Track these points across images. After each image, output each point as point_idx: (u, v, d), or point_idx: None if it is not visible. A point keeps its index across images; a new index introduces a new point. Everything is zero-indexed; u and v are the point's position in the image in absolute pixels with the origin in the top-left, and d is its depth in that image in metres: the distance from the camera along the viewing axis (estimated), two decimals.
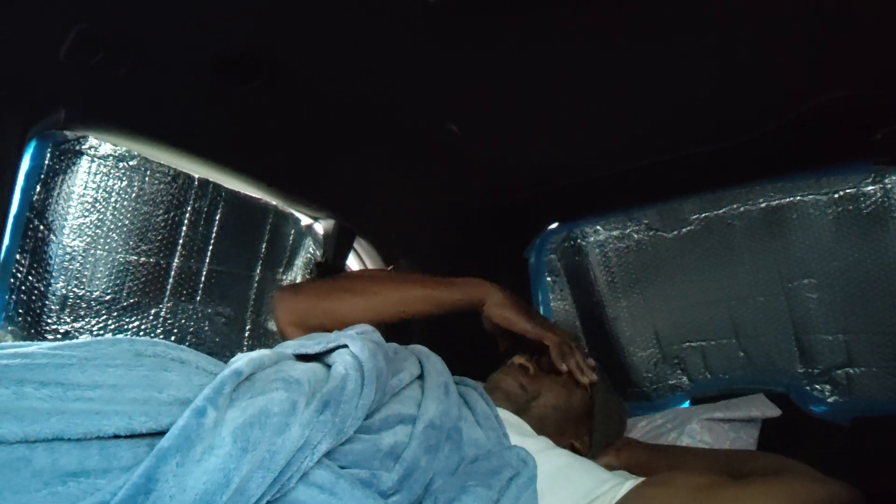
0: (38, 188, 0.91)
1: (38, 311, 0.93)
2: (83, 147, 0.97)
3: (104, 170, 1.00)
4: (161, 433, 0.47)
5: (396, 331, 1.43)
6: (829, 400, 1.23)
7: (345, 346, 0.68)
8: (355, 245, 1.42)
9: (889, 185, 1.15)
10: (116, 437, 0.45)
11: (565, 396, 1.01)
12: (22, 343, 0.55)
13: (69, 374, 0.48)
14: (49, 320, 0.94)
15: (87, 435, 0.44)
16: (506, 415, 0.92)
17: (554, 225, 1.53)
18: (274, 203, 1.27)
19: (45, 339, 0.93)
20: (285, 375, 0.57)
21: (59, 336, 0.95)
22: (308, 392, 0.57)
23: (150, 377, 0.52)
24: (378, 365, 0.66)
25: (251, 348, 1.22)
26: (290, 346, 0.69)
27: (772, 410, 1.15)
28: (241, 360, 0.57)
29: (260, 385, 0.55)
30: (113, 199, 1.02)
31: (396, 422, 0.66)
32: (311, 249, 1.37)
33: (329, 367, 0.65)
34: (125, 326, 1.04)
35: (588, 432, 1.04)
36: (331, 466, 0.56)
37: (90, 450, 0.44)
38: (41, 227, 0.92)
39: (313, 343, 0.69)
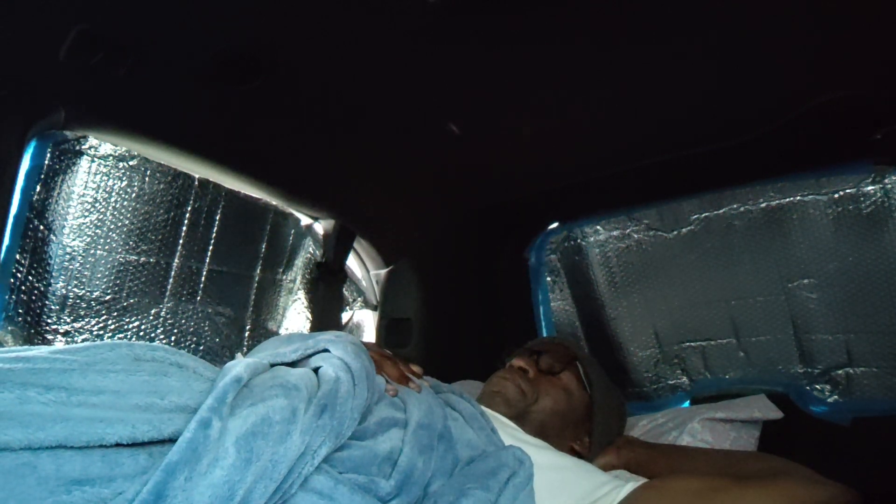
0: (38, 188, 0.91)
1: (38, 311, 0.93)
2: (83, 147, 0.97)
3: (104, 170, 1.00)
4: (161, 441, 0.47)
5: (397, 331, 1.44)
6: (829, 400, 1.23)
7: (324, 350, 0.68)
8: (355, 245, 1.42)
9: (889, 185, 1.15)
10: (118, 445, 0.45)
11: (565, 399, 1.01)
12: (21, 348, 0.55)
13: (71, 379, 0.48)
14: (49, 320, 0.94)
15: (91, 443, 0.44)
16: (501, 418, 0.92)
17: (554, 225, 1.53)
18: (274, 203, 1.27)
19: (45, 339, 0.93)
20: (283, 381, 0.57)
21: (59, 336, 0.95)
22: (306, 397, 0.56)
23: (151, 382, 0.51)
24: (364, 364, 0.66)
25: (251, 348, 1.23)
26: (266, 356, 0.67)
27: (773, 412, 1.15)
28: (240, 367, 0.57)
29: (259, 392, 0.55)
30: (113, 199, 1.02)
31: (391, 425, 0.66)
32: (311, 249, 1.37)
33: (313, 370, 0.65)
34: (125, 327, 1.04)
35: (588, 433, 1.04)
36: (329, 472, 0.56)
37: (93, 457, 0.43)
38: (41, 227, 0.92)
39: (290, 351, 0.68)
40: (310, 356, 0.68)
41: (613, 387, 1.14)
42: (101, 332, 1.01)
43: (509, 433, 0.85)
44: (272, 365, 0.65)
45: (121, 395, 0.48)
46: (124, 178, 1.03)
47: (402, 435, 0.66)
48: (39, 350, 0.52)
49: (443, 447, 0.68)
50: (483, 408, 0.87)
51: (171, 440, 0.47)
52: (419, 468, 0.63)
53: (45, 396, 0.45)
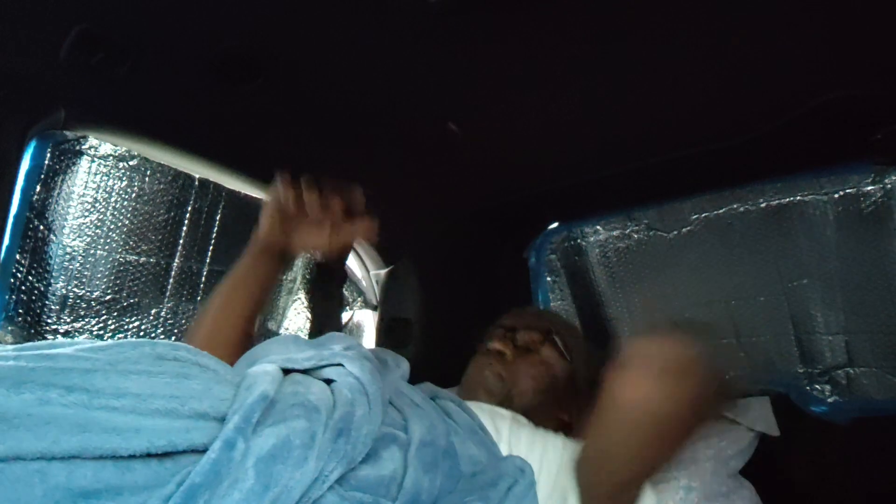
0: (38, 188, 0.91)
1: (38, 311, 0.93)
2: (83, 147, 0.97)
3: (104, 170, 1.00)
4: (175, 453, 0.46)
5: (397, 331, 1.44)
6: (829, 400, 1.23)
7: (338, 364, 0.66)
8: (355, 245, 1.42)
9: (889, 185, 1.15)
10: (132, 457, 0.45)
11: (545, 375, 1.00)
12: (45, 343, 0.54)
13: (94, 380, 0.47)
14: (49, 320, 0.94)
15: (104, 455, 0.43)
16: (496, 409, 0.90)
17: (554, 225, 1.53)
18: None
19: (45, 339, 0.93)
20: (304, 400, 0.56)
21: (59, 336, 0.95)
22: (325, 420, 0.55)
23: (172, 384, 0.51)
24: (380, 386, 0.64)
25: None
26: (278, 360, 0.65)
27: (772, 429, 1.17)
28: (265, 382, 0.55)
29: (280, 409, 0.53)
30: (113, 199, 1.02)
31: (392, 443, 0.64)
32: None
33: (325, 381, 0.63)
34: (125, 326, 1.04)
35: (575, 402, 1.02)
36: (336, 490, 0.55)
37: (106, 466, 0.43)
38: (41, 227, 0.92)
39: (302, 358, 0.66)
40: (323, 367, 0.66)
41: (594, 350, 1.12)
42: (101, 332, 1.01)
43: (506, 420, 0.84)
44: (284, 371, 0.63)
45: (142, 399, 0.48)
46: (124, 178, 1.03)
47: (405, 453, 0.64)
48: (63, 347, 0.51)
49: (447, 464, 0.66)
50: (471, 403, 0.86)
51: (186, 452, 0.47)
52: (426, 488, 0.61)
53: (67, 398, 0.44)
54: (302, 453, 0.51)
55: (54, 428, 0.42)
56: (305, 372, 0.65)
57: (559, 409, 1.01)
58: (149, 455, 0.45)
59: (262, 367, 0.60)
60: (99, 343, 0.54)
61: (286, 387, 0.58)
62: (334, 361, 0.66)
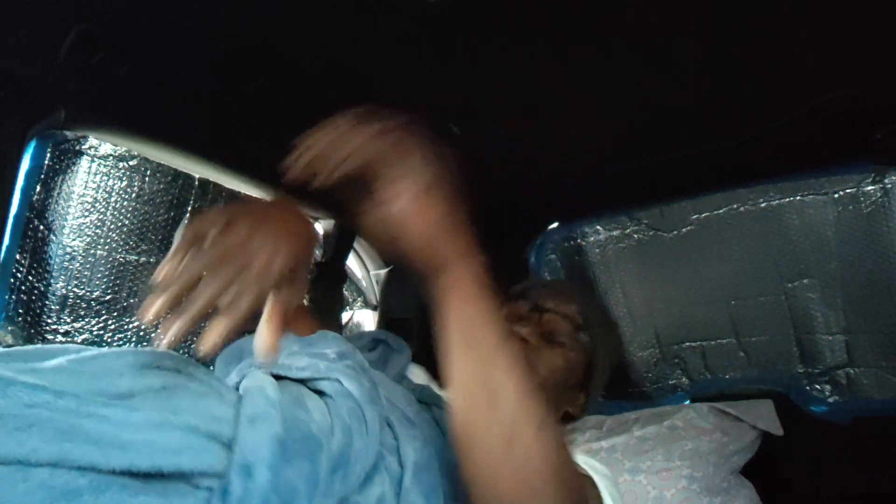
0: (38, 188, 0.91)
1: (38, 311, 0.93)
2: (83, 147, 0.97)
3: (104, 170, 1.00)
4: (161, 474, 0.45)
5: (397, 331, 1.43)
6: (829, 400, 1.23)
7: (336, 378, 0.62)
8: (355, 245, 1.42)
9: (889, 185, 1.15)
10: (112, 472, 0.43)
11: (564, 368, 0.94)
12: (28, 350, 0.54)
13: (80, 389, 0.46)
14: (49, 320, 0.94)
15: (84, 466, 0.42)
16: None
17: (554, 225, 1.53)
18: None
19: (45, 339, 0.93)
20: (306, 432, 0.53)
21: (59, 336, 0.95)
22: (325, 453, 0.53)
23: (160, 398, 0.50)
24: (378, 411, 0.62)
25: None
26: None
27: (776, 429, 1.18)
28: (272, 419, 0.52)
29: (286, 447, 0.51)
30: (113, 199, 1.02)
31: (383, 466, 0.61)
32: None
33: (317, 392, 0.61)
34: (125, 326, 1.04)
35: (583, 391, 0.99)
36: None
37: (86, 473, 0.42)
38: (41, 227, 0.92)
39: (296, 367, 0.62)
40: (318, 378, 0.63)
41: (613, 339, 1.09)
42: (101, 332, 1.01)
43: None
44: (276, 377, 0.60)
45: (131, 410, 0.47)
46: (124, 178, 1.03)
47: (399, 481, 0.60)
48: (47, 360, 0.50)
49: (447, 484, 0.63)
50: None
51: (174, 474, 0.45)
52: None
53: (56, 404, 0.43)
54: (306, 501, 0.49)
55: (36, 433, 0.41)
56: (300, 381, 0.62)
57: (568, 402, 0.98)
58: (130, 473, 0.44)
59: (257, 380, 0.57)
60: (82, 355, 0.52)
61: (287, 410, 0.55)
62: (331, 376, 0.63)
